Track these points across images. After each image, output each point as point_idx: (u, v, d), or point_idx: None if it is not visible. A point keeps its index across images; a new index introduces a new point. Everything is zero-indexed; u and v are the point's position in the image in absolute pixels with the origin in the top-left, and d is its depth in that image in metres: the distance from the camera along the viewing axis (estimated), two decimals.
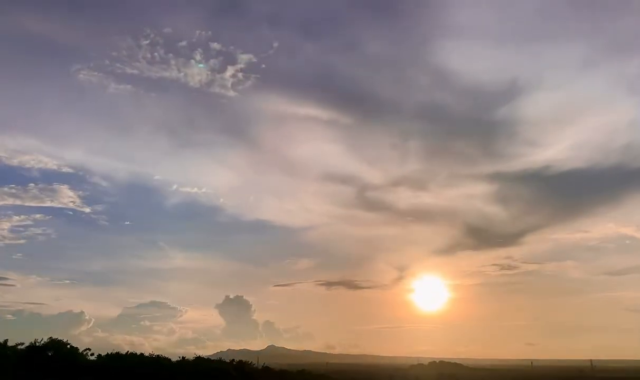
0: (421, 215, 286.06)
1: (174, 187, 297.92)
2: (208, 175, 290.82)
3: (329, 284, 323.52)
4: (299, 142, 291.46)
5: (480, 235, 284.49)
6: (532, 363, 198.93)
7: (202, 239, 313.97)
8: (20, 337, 43.97)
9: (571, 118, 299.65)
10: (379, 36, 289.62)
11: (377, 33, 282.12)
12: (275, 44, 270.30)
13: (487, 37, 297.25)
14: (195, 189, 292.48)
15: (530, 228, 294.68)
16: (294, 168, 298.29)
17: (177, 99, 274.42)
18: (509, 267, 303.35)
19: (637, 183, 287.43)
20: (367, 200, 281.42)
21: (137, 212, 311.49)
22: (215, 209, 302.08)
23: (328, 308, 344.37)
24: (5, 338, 40.54)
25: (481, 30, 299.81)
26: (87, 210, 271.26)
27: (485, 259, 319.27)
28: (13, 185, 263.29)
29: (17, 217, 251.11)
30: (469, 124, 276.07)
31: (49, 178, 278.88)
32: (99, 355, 49.08)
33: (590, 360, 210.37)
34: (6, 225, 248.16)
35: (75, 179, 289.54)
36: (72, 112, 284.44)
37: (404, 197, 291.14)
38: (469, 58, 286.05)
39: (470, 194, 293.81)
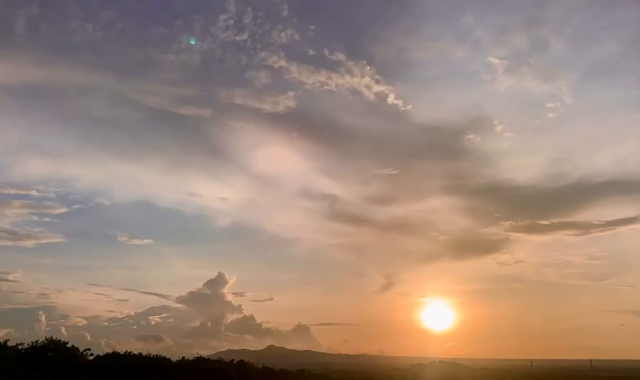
0: (398, 228, 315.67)
1: (173, 203, 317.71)
2: (202, 193, 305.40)
3: (325, 289, 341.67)
4: (278, 166, 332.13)
5: (459, 245, 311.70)
6: (532, 363, 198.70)
7: (205, 249, 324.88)
8: None
9: (530, 149, 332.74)
10: (352, 74, 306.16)
11: (350, 71, 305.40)
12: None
13: (452, 77, 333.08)
14: (191, 205, 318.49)
15: (505, 236, 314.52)
16: (278, 187, 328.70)
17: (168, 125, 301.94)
18: (495, 272, 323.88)
19: (596, 196, 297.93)
20: (344, 215, 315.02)
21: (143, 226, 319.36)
22: (215, 223, 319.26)
23: (327, 311, 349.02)
24: (6, 338, 40.62)
25: (446, 71, 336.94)
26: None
27: (470, 265, 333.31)
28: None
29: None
30: (432, 151, 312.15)
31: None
32: (98, 355, 49.10)
33: (590, 360, 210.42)
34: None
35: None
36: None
37: (380, 212, 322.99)
38: (433, 96, 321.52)
39: (440, 208, 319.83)
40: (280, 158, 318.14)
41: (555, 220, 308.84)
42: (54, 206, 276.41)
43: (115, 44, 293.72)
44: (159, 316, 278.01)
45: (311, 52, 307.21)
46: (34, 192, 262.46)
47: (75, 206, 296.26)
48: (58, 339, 44.87)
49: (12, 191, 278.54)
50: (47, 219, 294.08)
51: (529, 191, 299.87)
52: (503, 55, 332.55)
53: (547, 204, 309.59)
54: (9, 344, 40.47)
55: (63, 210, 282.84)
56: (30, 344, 42.51)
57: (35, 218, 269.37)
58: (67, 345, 45.12)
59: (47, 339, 43.99)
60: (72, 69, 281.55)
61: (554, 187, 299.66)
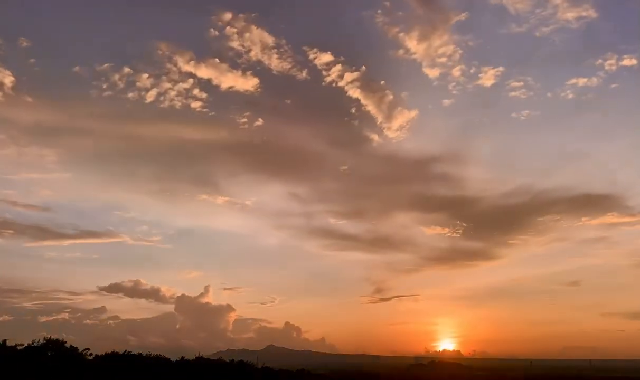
0: (380, 242, 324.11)
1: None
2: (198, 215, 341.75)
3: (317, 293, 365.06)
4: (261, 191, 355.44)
5: (442, 254, 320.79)
6: (531, 363, 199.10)
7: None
8: None
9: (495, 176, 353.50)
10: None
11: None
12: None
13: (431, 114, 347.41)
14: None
15: (485, 247, 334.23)
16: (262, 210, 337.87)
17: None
18: (481, 280, 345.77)
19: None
20: (325, 231, 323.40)
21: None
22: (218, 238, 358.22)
23: (324, 312, 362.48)
24: (4, 338, 40.20)
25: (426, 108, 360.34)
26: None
27: (457, 274, 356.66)
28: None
29: None
30: (406, 176, 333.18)
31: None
32: (97, 355, 48.69)
33: (590, 360, 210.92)
34: None
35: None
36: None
37: (363, 228, 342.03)
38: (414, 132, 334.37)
39: (422, 223, 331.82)
40: (262, 184, 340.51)
41: (526, 233, 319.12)
42: None
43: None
44: None
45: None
46: None
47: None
48: (56, 338, 44.39)
49: None
50: None
51: (505, 207, 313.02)
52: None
53: (520, 216, 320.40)
54: (8, 343, 40.07)
55: None
56: (29, 344, 42.05)
57: None
58: (66, 345, 44.64)
59: (45, 339, 43.49)
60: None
61: (523, 202, 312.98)
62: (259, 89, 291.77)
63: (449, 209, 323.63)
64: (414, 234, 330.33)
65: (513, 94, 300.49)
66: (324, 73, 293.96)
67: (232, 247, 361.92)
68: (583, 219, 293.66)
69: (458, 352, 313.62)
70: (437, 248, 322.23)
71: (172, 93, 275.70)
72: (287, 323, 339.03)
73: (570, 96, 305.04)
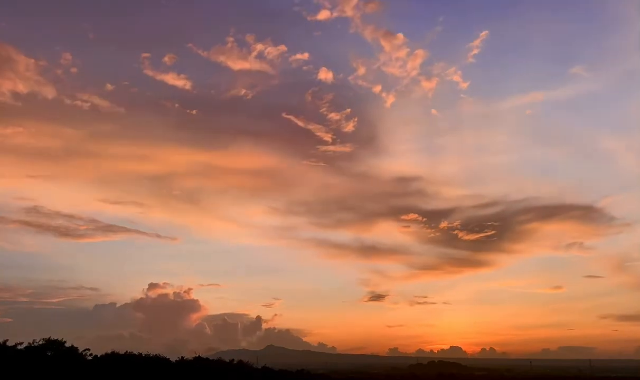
0: (371, 250, 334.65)
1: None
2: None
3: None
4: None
5: (438, 260, 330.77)
6: (530, 363, 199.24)
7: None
8: None
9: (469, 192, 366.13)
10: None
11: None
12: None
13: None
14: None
15: (475, 253, 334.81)
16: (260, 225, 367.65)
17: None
18: (475, 284, 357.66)
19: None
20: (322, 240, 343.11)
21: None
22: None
23: (328, 316, 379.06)
24: (5, 338, 40.26)
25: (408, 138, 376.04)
26: None
27: (452, 278, 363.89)
28: None
29: None
30: (389, 191, 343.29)
31: None
32: (96, 355, 48.72)
33: (589, 360, 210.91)
34: None
35: None
36: None
37: (353, 236, 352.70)
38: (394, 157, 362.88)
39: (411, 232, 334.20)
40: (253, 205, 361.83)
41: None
42: None
43: None
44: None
45: None
46: None
47: None
48: (56, 338, 44.44)
49: None
50: None
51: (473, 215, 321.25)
52: None
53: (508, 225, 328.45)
54: (8, 343, 40.13)
55: None
56: (29, 344, 42.11)
57: None
58: (66, 345, 44.69)
59: (45, 339, 43.55)
60: None
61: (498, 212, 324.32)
62: None
63: (434, 218, 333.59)
64: (406, 242, 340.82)
65: None
66: None
67: (228, 256, 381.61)
68: (563, 226, 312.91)
69: (457, 351, 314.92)
70: (432, 254, 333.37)
71: None
72: (287, 323, 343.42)
73: None
